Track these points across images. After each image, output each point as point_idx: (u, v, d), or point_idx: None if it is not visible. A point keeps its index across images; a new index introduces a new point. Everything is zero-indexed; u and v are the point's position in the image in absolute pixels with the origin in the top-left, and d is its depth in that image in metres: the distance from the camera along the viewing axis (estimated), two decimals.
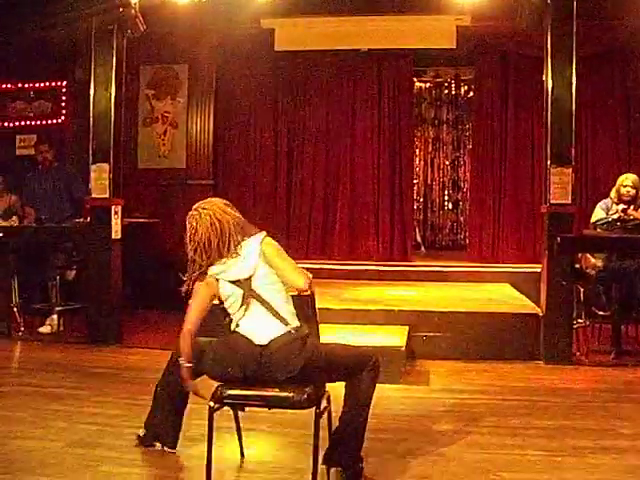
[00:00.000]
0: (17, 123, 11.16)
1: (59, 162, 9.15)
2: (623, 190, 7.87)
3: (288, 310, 4.10)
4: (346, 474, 4.07)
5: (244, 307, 4.09)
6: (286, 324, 4.03)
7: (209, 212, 4.14)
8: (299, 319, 4.12)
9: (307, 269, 4.22)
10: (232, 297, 4.12)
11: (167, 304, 8.79)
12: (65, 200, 8.88)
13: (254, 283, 4.08)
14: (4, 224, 8.50)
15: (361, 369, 4.06)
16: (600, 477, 4.22)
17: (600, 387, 6.35)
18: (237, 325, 4.12)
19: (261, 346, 4.00)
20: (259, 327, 4.05)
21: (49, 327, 8.37)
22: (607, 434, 4.96)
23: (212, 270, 4.13)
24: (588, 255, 7.70)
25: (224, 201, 4.27)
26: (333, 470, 4.09)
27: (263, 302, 4.06)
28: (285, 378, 3.94)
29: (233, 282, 4.10)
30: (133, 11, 7.84)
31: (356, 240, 10.94)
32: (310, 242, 10.96)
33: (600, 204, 8.06)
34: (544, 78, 7.37)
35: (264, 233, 4.20)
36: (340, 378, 4.12)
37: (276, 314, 4.05)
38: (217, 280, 4.14)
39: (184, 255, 4.20)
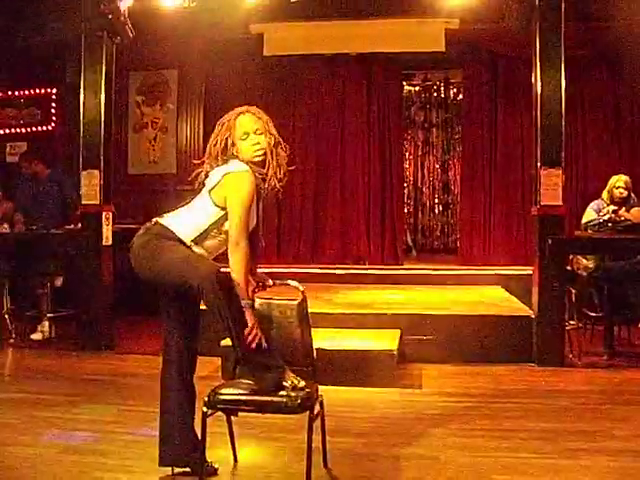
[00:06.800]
0: (7, 130, 11.17)
1: (50, 169, 9.08)
2: (616, 192, 7.91)
3: (185, 221, 4.20)
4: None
5: None
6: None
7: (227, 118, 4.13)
8: None
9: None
10: None
11: (158, 310, 8.79)
12: (56, 206, 8.84)
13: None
14: None
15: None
16: (594, 479, 4.22)
17: (593, 389, 6.34)
18: None
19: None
20: None
21: (40, 334, 8.33)
22: (600, 436, 4.96)
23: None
24: (579, 256, 7.71)
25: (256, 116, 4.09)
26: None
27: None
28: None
29: None
30: (122, 17, 7.83)
31: (347, 244, 10.94)
32: (300, 246, 10.97)
33: (591, 205, 8.08)
34: (533, 80, 7.38)
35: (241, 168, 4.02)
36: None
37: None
38: None
39: None
